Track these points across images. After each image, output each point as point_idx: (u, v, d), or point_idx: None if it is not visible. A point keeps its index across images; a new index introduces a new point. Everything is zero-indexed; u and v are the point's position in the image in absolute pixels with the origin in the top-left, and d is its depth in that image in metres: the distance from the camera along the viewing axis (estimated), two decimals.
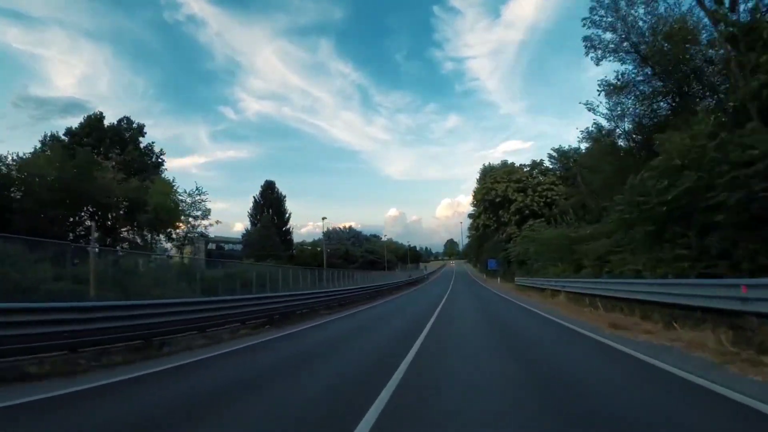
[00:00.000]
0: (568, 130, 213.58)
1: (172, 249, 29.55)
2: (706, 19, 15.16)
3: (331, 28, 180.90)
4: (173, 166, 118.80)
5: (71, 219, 23.31)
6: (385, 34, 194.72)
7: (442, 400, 4.01)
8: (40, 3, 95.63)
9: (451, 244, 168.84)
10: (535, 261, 27.52)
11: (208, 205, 31.00)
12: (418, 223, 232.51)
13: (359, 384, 4.83)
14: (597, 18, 18.18)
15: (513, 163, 52.32)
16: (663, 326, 7.71)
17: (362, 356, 6.89)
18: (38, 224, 18.81)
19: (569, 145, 42.61)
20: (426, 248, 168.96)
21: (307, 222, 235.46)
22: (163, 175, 32.73)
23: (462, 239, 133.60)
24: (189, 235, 30.43)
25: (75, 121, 28.10)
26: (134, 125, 35.71)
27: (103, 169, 24.37)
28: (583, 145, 28.44)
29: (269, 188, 51.48)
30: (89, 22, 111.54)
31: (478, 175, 56.63)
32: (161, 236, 28.56)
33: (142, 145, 35.14)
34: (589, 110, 20.18)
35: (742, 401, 3.51)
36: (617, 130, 20.65)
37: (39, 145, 29.42)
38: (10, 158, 22.15)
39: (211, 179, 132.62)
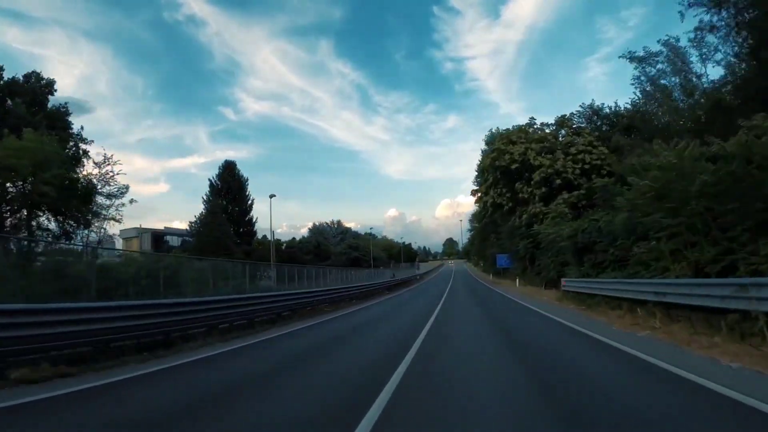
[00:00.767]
0: None
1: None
2: None
3: (331, 28, 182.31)
4: (173, 166, 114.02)
5: None
6: (384, 34, 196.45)
7: None
8: (40, 3, 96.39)
9: (450, 243, 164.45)
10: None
11: (124, 180, 23.86)
12: (418, 224, 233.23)
13: None
14: None
15: (532, 120, 37.33)
16: None
17: None
18: None
19: (602, 103, 33.80)
20: (424, 247, 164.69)
21: (306, 222, 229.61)
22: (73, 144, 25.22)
23: (462, 239, 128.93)
24: (103, 217, 23.10)
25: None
26: (43, 81, 28.06)
27: None
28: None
29: (228, 170, 43.95)
30: (89, 22, 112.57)
31: (482, 147, 45.28)
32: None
33: (54, 105, 27.43)
34: None
35: None
36: None
37: None
38: None
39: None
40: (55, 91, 27.90)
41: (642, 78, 26.17)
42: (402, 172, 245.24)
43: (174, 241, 45.54)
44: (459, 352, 7.26)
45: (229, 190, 43.62)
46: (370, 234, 75.56)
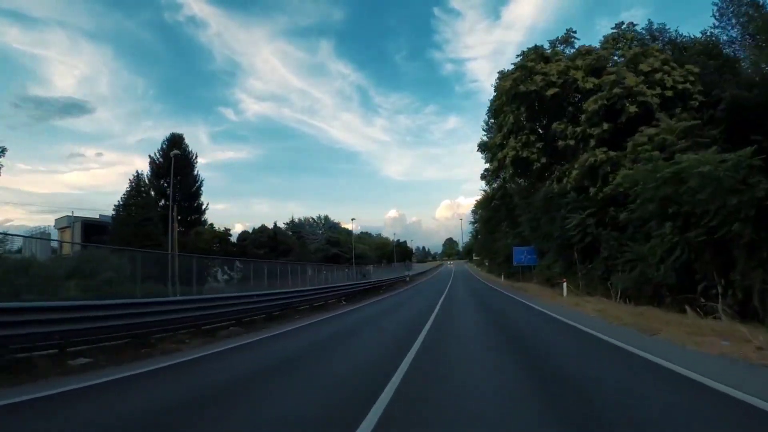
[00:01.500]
0: None
1: None
2: None
3: (331, 29, 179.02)
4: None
5: None
6: (385, 36, 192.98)
7: None
8: (40, 3, 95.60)
9: (450, 243, 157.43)
10: None
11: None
12: (418, 224, 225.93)
13: None
14: None
15: (569, 33, 25.14)
16: None
17: None
18: None
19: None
20: (424, 248, 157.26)
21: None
22: None
23: (462, 239, 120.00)
24: None
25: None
26: None
27: None
28: None
29: (174, 144, 35.88)
30: (89, 23, 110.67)
31: (496, 82, 26.94)
32: None
33: None
34: None
35: None
36: None
37: None
38: None
39: (211, 180, 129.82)
40: None
41: None
42: (402, 173, 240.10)
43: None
44: None
45: (175, 169, 35.59)
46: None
